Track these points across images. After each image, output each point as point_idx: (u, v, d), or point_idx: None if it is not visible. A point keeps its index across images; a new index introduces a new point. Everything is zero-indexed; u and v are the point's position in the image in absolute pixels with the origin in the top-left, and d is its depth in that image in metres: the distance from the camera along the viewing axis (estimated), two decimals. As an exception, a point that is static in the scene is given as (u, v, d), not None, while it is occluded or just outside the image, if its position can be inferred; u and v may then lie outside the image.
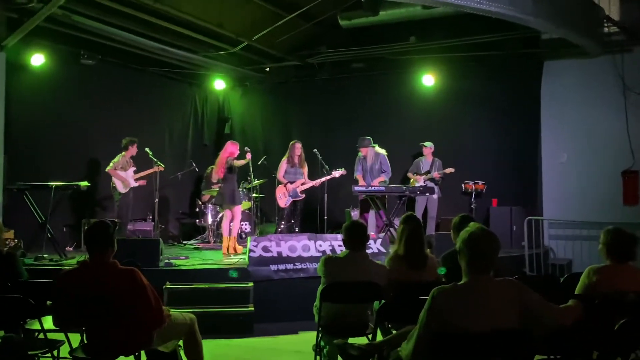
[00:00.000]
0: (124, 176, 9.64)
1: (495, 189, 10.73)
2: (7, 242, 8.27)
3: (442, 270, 4.87)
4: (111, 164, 9.61)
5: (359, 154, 10.28)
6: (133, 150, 9.82)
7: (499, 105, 11.02)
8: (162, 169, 10.10)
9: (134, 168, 9.85)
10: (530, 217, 9.68)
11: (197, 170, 11.74)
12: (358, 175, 10.22)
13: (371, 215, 10.18)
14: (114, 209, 9.86)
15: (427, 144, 10.72)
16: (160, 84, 12.17)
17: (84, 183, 8.85)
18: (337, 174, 10.02)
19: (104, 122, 10.64)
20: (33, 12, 8.11)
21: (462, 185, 10.65)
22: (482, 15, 7.97)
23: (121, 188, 9.63)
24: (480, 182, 10.56)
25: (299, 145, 10.20)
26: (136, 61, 11.13)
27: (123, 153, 9.73)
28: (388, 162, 10.19)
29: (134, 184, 9.78)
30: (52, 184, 8.42)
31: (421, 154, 10.87)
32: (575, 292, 4.11)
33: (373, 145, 10.16)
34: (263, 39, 10.68)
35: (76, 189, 8.74)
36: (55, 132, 10.02)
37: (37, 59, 9.44)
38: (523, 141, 10.94)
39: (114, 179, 9.61)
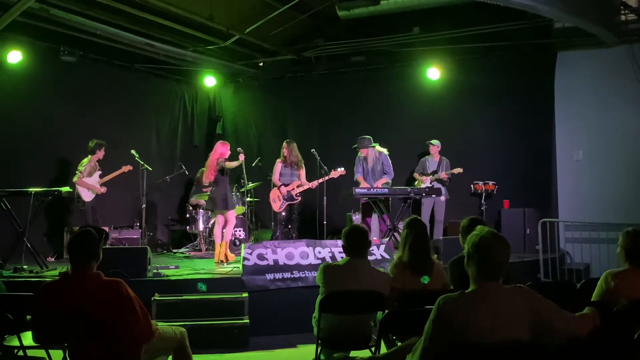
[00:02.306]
0: (90, 184, 9.58)
1: (506, 190, 10.74)
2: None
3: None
4: (77, 174, 9.52)
5: (359, 154, 10.28)
6: (100, 154, 9.71)
7: (509, 99, 11.04)
8: (131, 169, 10.05)
9: (100, 172, 9.77)
10: (544, 219, 9.68)
11: (187, 173, 11.74)
12: (359, 177, 10.21)
13: (374, 219, 10.19)
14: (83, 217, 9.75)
15: (434, 142, 10.71)
16: (147, 82, 12.18)
17: (66, 189, 8.84)
18: (335, 174, 9.99)
19: (86, 123, 10.63)
20: (8, 5, 8.10)
21: (471, 186, 10.65)
22: (490, 4, 7.98)
23: (86, 197, 9.57)
24: (490, 183, 10.56)
25: (285, 146, 10.14)
26: (120, 57, 11.15)
27: (89, 157, 9.65)
28: (390, 162, 10.20)
29: (101, 190, 9.71)
30: (31, 190, 8.39)
31: (427, 153, 10.87)
32: (592, 299, 4.12)
33: (373, 145, 10.17)
34: (256, 32, 10.69)
35: (57, 195, 8.70)
36: (34, 134, 10.02)
37: (14, 56, 9.45)
38: (536, 138, 10.96)
39: (79, 187, 9.53)
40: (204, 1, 9.84)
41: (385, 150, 10.22)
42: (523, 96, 10.96)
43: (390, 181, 10.17)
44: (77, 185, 9.51)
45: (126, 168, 9.99)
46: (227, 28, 10.50)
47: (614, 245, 4.85)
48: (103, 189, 9.75)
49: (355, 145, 10.24)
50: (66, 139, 10.42)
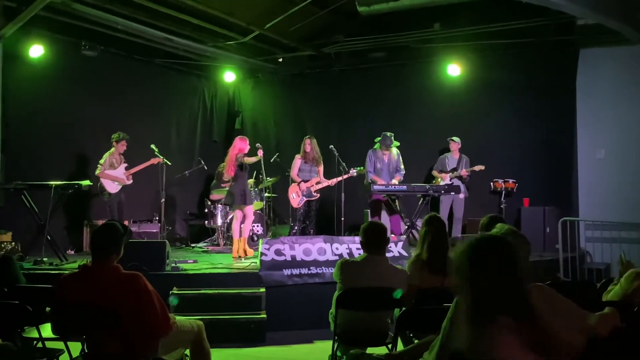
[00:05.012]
0: (114, 175, 9.66)
1: (526, 188, 10.66)
2: (3, 245, 8.36)
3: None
4: (99, 167, 9.61)
5: (376, 147, 10.24)
6: (121, 147, 9.77)
7: (530, 96, 10.95)
8: (161, 161, 10.04)
9: (126, 164, 9.83)
10: (564, 218, 9.60)
11: (205, 168, 11.77)
12: (373, 176, 10.13)
13: (383, 218, 10.16)
14: (105, 210, 9.85)
15: (455, 138, 10.66)
16: (167, 77, 12.25)
17: (86, 182, 8.90)
18: (354, 172, 10.02)
19: (107, 117, 10.69)
20: (31, 0, 8.19)
21: (491, 183, 10.59)
22: (512, 0, 7.91)
23: (111, 188, 9.64)
24: (510, 181, 10.50)
25: (307, 141, 10.19)
26: (140, 52, 11.21)
27: (111, 150, 9.71)
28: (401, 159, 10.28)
29: (128, 182, 9.79)
30: (52, 183, 8.47)
31: (446, 150, 10.82)
32: (614, 299, 4.06)
33: (394, 145, 10.23)
34: (275, 28, 10.69)
35: (77, 189, 8.77)
36: (55, 127, 10.11)
37: (36, 50, 9.52)
38: (557, 136, 10.86)
39: (102, 180, 9.62)
40: (224, -4, 9.88)
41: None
42: (544, 93, 10.86)
43: (401, 179, 10.20)
44: (100, 178, 9.58)
45: (155, 160, 10.00)
46: (246, 23, 10.51)
47: (635, 245, 4.78)
48: (129, 180, 9.80)
49: (379, 138, 10.23)
50: (87, 133, 10.51)
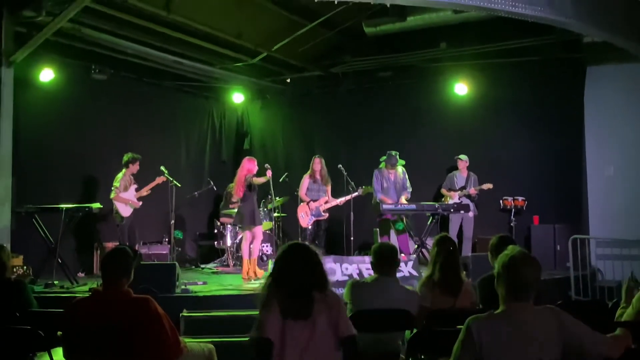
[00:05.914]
0: (128, 198, 9.54)
1: (536, 206, 10.62)
2: (15, 269, 8.37)
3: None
4: (113, 191, 9.46)
5: (382, 166, 10.23)
6: (134, 167, 9.64)
7: (538, 114, 10.93)
8: (165, 180, 9.97)
9: (136, 186, 9.70)
10: (575, 236, 9.54)
11: (215, 189, 11.80)
12: (382, 197, 10.07)
13: (393, 236, 10.13)
14: (117, 233, 9.77)
15: (462, 157, 10.65)
16: (176, 99, 12.33)
17: (96, 205, 8.93)
18: (361, 191, 10.02)
19: (117, 139, 10.74)
20: (42, 25, 8.26)
21: (500, 201, 10.56)
22: (517, 19, 7.94)
23: (125, 212, 9.52)
24: (520, 198, 10.46)
25: (317, 160, 10.18)
26: (150, 75, 11.30)
27: (124, 171, 9.58)
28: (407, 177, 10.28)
29: (138, 204, 9.67)
30: (62, 206, 8.51)
31: (454, 168, 10.81)
32: (626, 319, 4.03)
33: (399, 163, 10.22)
34: (283, 49, 10.77)
35: (88, 212, 8.82)
36: (66, 151, 10.16)
37: (47, 75, 9.61)
38: (566, 153, 10.83)
39: (117, 203, 9.51)
40: (232, 19, 9.95)
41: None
42: (552, 111, 10.85)
43: (409, 196, 10.19)
44: (114, 202, 9.49)
45: (160, 179, 9.94)
46: (255, 45, 10.60)
47: (647, 263, 4.76)
48: (139, 203, 9.73)
49: (384, 157, 10.22)
50: (97, 156, 10.54)
